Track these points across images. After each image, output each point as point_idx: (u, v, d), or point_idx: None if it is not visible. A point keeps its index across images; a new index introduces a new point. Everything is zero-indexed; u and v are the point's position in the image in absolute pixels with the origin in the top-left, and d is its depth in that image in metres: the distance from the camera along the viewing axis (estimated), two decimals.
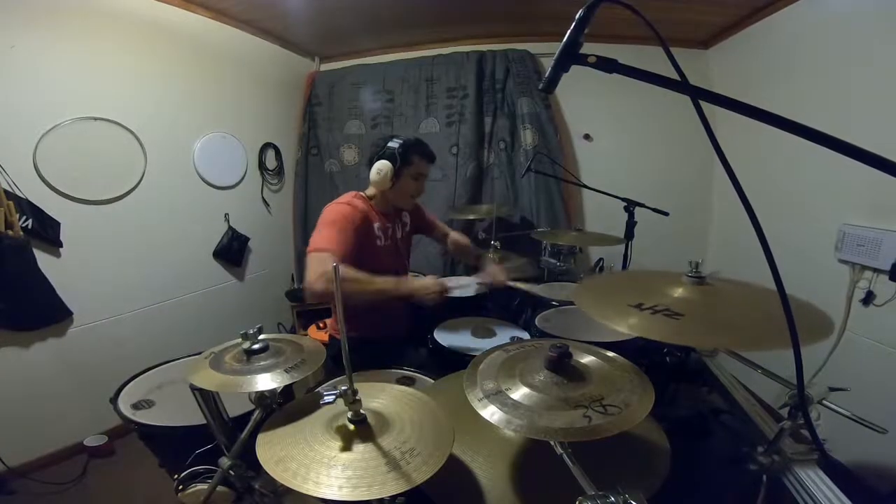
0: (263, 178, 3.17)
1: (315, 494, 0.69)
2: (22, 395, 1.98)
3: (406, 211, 1.88)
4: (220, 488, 1.02)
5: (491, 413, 0.78)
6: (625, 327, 0.81)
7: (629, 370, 0.90)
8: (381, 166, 1.65)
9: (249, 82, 3.01)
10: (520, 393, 0.82)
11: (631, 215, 2.14)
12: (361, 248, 1.59)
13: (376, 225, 1.70)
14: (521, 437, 1.00)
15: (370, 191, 1.75)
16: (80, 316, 2.16)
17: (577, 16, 0.63)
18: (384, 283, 1.49)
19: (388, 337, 1.75)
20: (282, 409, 0.94)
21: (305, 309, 3.17)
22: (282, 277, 3.43)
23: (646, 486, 0.82)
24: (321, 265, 1.38)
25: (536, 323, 1.76)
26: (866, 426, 0.84)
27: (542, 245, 2.56)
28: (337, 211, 1.59)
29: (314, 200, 3.43)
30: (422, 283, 1.56)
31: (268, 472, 0.74)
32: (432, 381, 1.36)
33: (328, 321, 2.02)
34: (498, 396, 0.81)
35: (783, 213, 2.21)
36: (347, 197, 1.70)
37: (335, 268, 0.78)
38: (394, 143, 1.67)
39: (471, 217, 2.96)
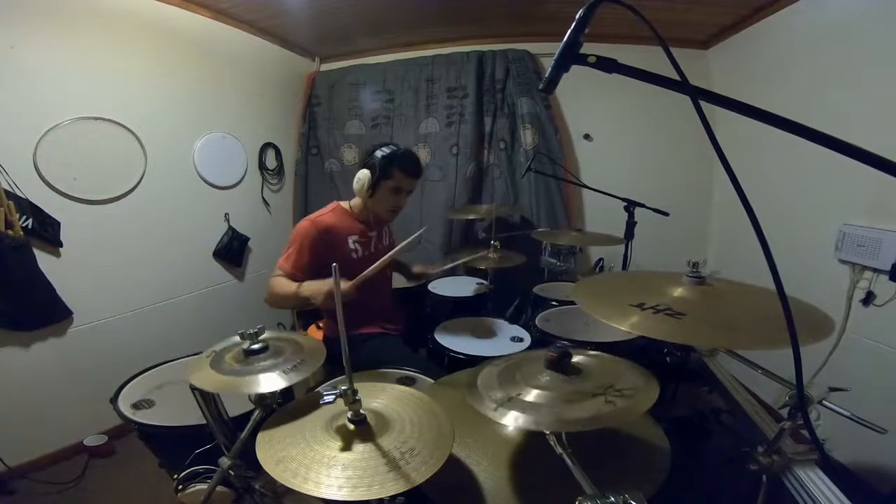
0: (263, 178, 3.17)
1: (315, 494, 0.70)
2: (22, 395, 1.98)
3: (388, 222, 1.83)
4: (219, 488, 1.02)
5: (514, 418, 0.77)
6: (627, 326, 0.82)
7: (620, 362, 0.91)
8: (361, 175, 1.62)
9: (250, 82, 3.00)
10: (533, 395, 0.82)
11: (631, 215, 2.14)
12: (330, 262, 1.58)
13: (352, 238, 1.66)
14: (520, 437, 1.00)
15: (355, 199, 1.73)
16: (80, 316, 2.15)
17: (577, 16, 0.63)
18: (288, 287, 1.52)
19: (386, 335, 1.75)
20: (282, 408, 0.94)
21: (305, 309, 3.17)
22: None
23: (646, 486, 0.82)
24: (274, 283, 1.56)
25: (536, 323, 1.76)
26: (866, 426, 0.84)
27: (542, 245, 2.56)
28: (299, 228, 1.60)
29: (314, 200, 3.42)
30: (317, 286, 1.47)
31: (268, 472, 0.74)
32: (432, 382, 1.36)
33: (325, 321, 2.02)
34: (511, 403, 0.80)
35: (783, 214, 2.21)
36: (325, 209, 1.70)
37: (334, 268, 0.79)
38: (380, 153, 1.61)
39: (471, 217, 2.97)
